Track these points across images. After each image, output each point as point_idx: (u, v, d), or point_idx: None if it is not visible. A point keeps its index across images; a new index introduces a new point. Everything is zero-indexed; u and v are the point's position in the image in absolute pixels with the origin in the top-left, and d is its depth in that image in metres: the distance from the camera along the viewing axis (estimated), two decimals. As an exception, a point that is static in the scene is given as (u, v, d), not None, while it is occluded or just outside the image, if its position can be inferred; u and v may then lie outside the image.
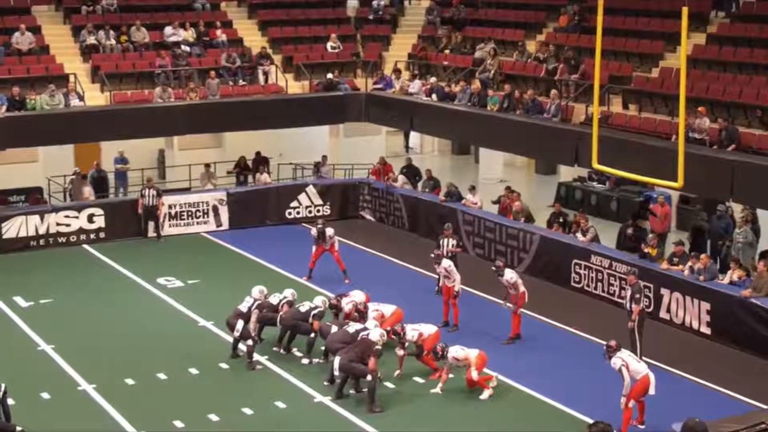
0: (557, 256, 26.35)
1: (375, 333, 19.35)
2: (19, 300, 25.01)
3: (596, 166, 20.88)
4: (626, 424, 17.49)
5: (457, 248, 25.31)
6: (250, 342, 20.62)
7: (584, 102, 29.89)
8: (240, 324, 20.59)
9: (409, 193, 32.11)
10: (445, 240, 25.25)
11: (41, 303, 24.89)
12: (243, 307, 20.97)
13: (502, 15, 38.91)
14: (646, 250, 24.48)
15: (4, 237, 29.09)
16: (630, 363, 17.61)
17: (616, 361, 17.64)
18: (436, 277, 24.97)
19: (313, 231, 26.62)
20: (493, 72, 34.02)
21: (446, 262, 23.26)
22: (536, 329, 23.02)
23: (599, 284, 24.98)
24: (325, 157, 35.36)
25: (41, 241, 29.51)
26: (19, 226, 29.24)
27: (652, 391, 17.63)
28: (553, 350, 21.82)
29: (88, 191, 31.76)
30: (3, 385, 17.20)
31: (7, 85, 32.13)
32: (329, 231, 26.46)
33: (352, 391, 19.30)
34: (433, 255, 23.69)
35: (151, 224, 30.40)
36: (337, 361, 18.96)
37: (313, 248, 26.53)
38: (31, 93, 32.20)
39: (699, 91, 27.32)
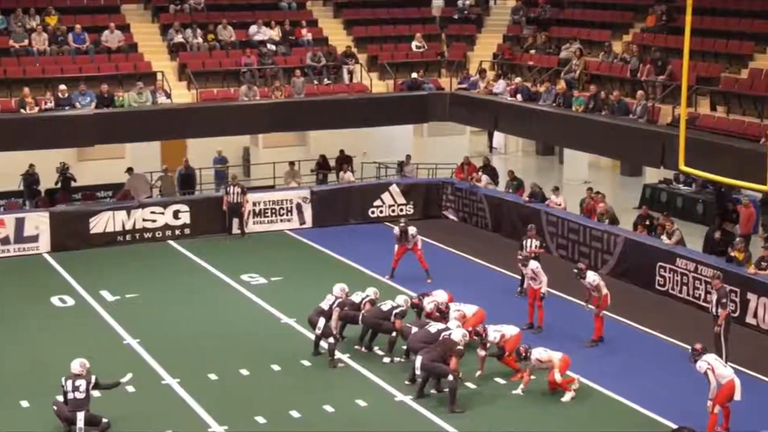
0: (642, 258, 26.07)
1: (457, 333, 19.30)
2: (106, 294, 25.38)
3: (683, 168, 20.61)
4: (711, 430, 17.25)
5: (540, 249, 25.17)
6: (331, 340, 20.65)
7: (671, 103, 29.54)
8: (321, 321, 20.68)
9: (493, 193, 32.00)
10: (529, 241, 25.13)
11: (127, 297, 25.24)
12: (324, 305, 21.03)
13: (588, 15, 38.60)
14: (733, 254, 24.15)
15: (92, 232, 29.56)
16: (716, 367, 17.35)
17: (701, 365, 17.39)
18: (519, 278, 24.86)
19: (396, 230, 26.63)
20: (578, 72, 33.77)
21: (534, 264, 23.08)
22: (620, 332, 22.82)
23: (684, 288, 24.67)
24: (408, 157, 35.40)
25: (127, 237, 29.93)
26: (106, 222, 29.70)
27: (737, 396, 17.35)
28: (637, 353, 21.60)
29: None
30: (94, 377, 17.50)
31: (96, 82, 32.63)
32: (412, 230, 26.43)
33: (433, 391, 19.27)
34: (520, 256, 23.60)
35: (235, 221, 30.62)
36: (418, 360, 18.94)
37: (396, 247, 26.58)
38: (120, 90, 32.69)
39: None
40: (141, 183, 32.84)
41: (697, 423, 17.08)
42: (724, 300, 20.27)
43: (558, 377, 19.21)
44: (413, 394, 19.18)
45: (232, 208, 30.56)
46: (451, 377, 18.63)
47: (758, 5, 31.92)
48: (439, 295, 21.84)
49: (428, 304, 21.38)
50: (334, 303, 21.06)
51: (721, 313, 20.21)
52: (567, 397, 19.16)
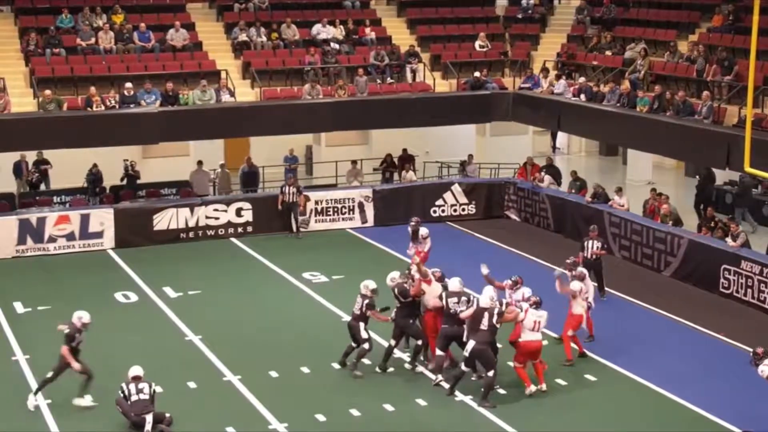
0: (706, 260, 25.83)
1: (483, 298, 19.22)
2: (169, 291, 25.60)
3: (749, 169, 20.43)
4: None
5: (601, 251, 24.93)
6: (366, 346, 20.18)
7: (737, 104, 29.22)
8: (360, 328, 20.22)
9: (555, 193, 31.86)
10: (590, 242, 24.90)
11: (190, 294, 25.44)
12: (356, 309, 20.43)
13: (653, 15, 38.32)
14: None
15: (156, 229, 29.83)
16: None
17: (763, 369, 17.19)
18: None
19: (408, 230, 26.28)
20: (643, 72, 33.52)
21: (581, 271, 22.10)
22: (683, 335, 22.66)
23: (749, 290, 24.41)
24: (471, 156, 35.36)
25: (191, 234, 30.17)
26: (170, 219, 29.96)
27: None
28: (700, 357, 21.39)
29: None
30: (153, 385, 17.67)
31: (162, 80, 32.94)
32: (423, 231, 25.90)
33: (474, 378, 19.39)
34: (569, 261, 22.49)
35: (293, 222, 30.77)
36: (470, 345, 18.84)
37: (411, 248, 25.83)
38: (184, 88, 32.99)
39: None
40: (203, 178, 33.16)
41: (762, 428, 16.93)
42: None
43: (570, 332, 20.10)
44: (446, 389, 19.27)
45: (288, 207, 30.69)
46: (491, 372, 18.62)
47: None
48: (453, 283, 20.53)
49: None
50: (362, 303, 20.31)
51: None
52: (532, 388, 19.09)
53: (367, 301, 20.19)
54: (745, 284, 24.57)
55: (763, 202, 32.70)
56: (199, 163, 33.57)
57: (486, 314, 18.76)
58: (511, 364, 19.37)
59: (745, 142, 20.07)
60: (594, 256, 24.49)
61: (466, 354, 18.88)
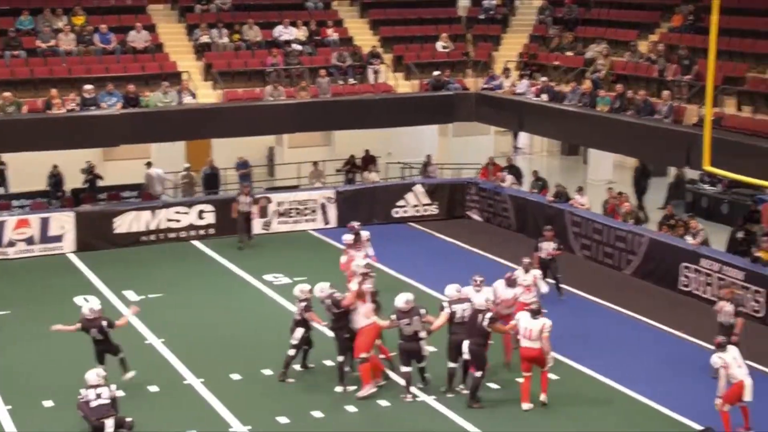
0: (666, 258, 26.00)
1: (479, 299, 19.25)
2: (130, 294, 25.47)
3: (708, 168, 20.52)
4: (727, 426, 17.26)
5: (557, 251, 24.92)
6: (291, 351, 19.93)
7: (697, 103, 29.41)
8: (298, 333, 20.02)
9: (517, 193, 31.95)
10: (546, 243, 24.88)
11: (151, 297, 25.32)
12: (296, 314, 20.15)
13: (614, 15, 38.49)
14: (757, 254, 24.03)
15: (116, 232, 29.71)
16: (730, 365, 17.35)
17: (716, 360, 17.47)
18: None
19: (348, 236, 24.94)
20: (604, 72, 33.67)
21: (536, 272, 22.01)
22: (644, 333, 22.78)
23: (708, 288, 24.57)
24: (429, 157, 35.30)
25: (152, 237, 30.06)
26: (130, 222, 29.84)
27: (747, 397, 17.33)
28: (660, 354, 21.51)
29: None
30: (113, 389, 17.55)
31: (122, 82, 32.70)
32: (365, 234, 25.16)
33: (461, 386, 19.35)
34: (526, 261, 22.18)
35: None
36: (466, 344, 18.78)
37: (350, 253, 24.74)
38: (146, 90, 32.81)
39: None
40: (151, 180, 32.98)
41: (720, 423, 17.07)
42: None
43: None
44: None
45: (242, 216, 30.05)
46: (479, 373, 18.62)
47: (785, 4, 31.79)
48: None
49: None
50: (302, 308, 19.88)
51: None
52: (526, 406, 18.85)
53: (304, 304, 19.95)
54: (704, 282, 24.73)
55: (722, 201, 32.90)
56: (148, 164, 33.31)
57: (480, 316, 18.67)
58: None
59: (705, 141, 20.16)
60: (550, 257, 24.55)
61: (465, 354, 18.81)
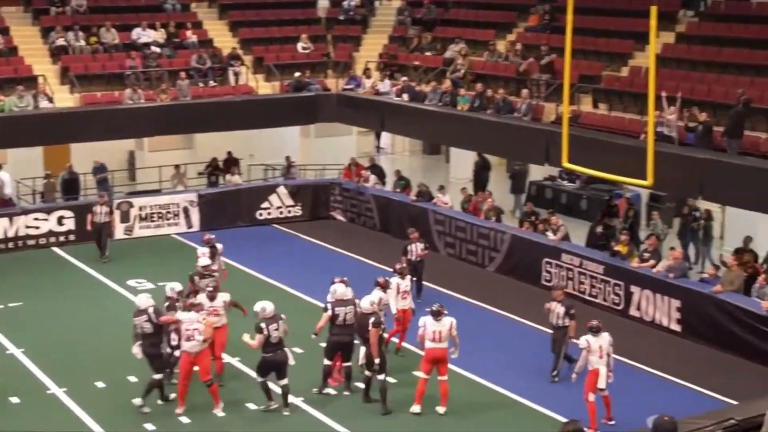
0: (528, 254, 26.42)
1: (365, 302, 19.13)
2: (-11, 303, 24.91)
3: (566, 165, 20.91)
4: (593, 417, 17.64)
5: (424, 251, 25.06)
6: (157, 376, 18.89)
7: (555, 101, 29.96)
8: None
9: (380, 193, 32.11)
10: (413, 245, 24.88)
11: (10, 306, 24.74)
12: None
13: (472, 15, 39.01)
14: (616, 248, 24.57)
15: (-27, 240, 28.99)
16: (593, 351, 17.79)
17: (582, 342, 17.92)
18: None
19: (203, 249, 23.46)
20: (463, 72, 34.07)
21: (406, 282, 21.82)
22: (508, 328, 23.08)
23: (570, 282, 25.05)
24: (288, 158, 35.12)
25: (10, 244, 29.37)
26: (-12, 229, 29.15)
27: (601, 384, 17.77)
28: (525, 348, 21.83)
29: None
30: None
31: (-24, 86, 31.99)
32: (219, 246, 24.01)
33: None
34: (398, 266, 22.15)
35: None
36: (363, 351, 18.79)
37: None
38: (0, 95, 32.02)
39: (668, 90, 27.34)
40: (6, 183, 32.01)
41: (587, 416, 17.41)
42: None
43: None
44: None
45: (98, 228, 28.89)
46: (382, 376, 18.56)
47: (637, 4, 32.44)
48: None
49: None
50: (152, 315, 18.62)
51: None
52: (416, 409, 18.90)
53: (167, 303, 19.53)
54: (566, 276, 25.20)
55: (580, 196, 33.55)
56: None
57: (369, 319, 18.58)
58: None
59: (563, 139, 20.53)
60: (419, 258, 24.68)
61: (361, 360, 18.75)
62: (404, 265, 22.53)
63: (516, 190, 33.91)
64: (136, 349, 18.56)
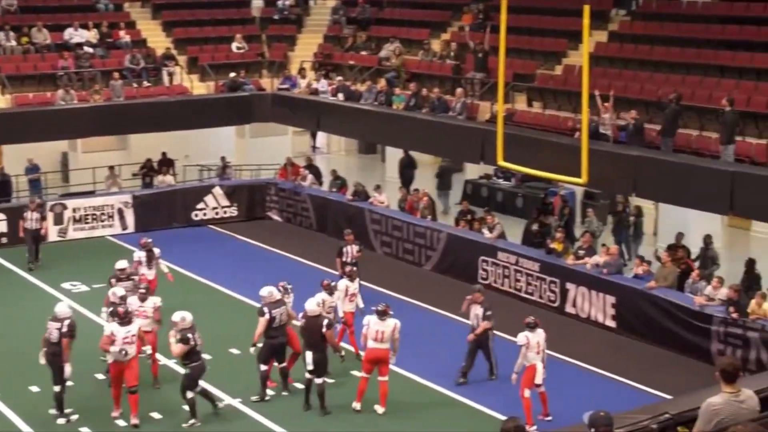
0: (464, 253, 26.52)
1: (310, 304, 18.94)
2: None
3: (502, 163, 21.04)
4: (528, 413, 17.75)
5: (358, 253, 24.78)
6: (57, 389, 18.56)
7: (489, 100, 30.10)
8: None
9: (317, 192, 32.07)
10: (349, 247, 24.73)
11: (-59, 311, 24.46)
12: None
13: (407, 14, 39.09)
14: (552, 246, 24.74)
15: None
16: (531, 348, 17.87)
17: (521, 338, 17.98)
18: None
19: (140, 254, 23.51)
20: (397, 67, 34.15)
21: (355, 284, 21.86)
22: (444, 326, 23.13)
23: (506, 280, 25.19)
24: (224, 158, 34.96)
25: (-59, 248, 29.00)
26: None
27: (538, 380, 17.91)
28: (462, 347, 21.81)
29: None
30: None
31: None
32: (157, 251, 23.60)
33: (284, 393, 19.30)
34: (346, 267, 22.46)
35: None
36: (309, 355, 18.55)
37: (144, 272, 23.28)
38: (-71, 96, 31.68)
39: (601, 88, 27.60)
40: None
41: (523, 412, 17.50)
42: (489, 312, 19.83)
43: None
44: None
45: (31, 235, 28.12)
46: (321, 380, 18.43)
47: (570, 3, 32.71)
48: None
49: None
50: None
51: (483, 324, 19.71)
52: (357, 406, 18.97)
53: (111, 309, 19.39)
54: (502, 274, 25.34)
55: (516, 194, 33.73)
56: None
57: (317, 322, 18.36)
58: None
59: (498, 137, 20.65)
60: (354, 260, 24.62)
61: (310, 365, 18.41)
62: (354, 268, 22.42)
63: (442, 187, 33.78)
64: (42, 357, 18.32)
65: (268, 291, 19.11)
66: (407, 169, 34.68)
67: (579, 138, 21.94)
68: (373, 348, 18.53)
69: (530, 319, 18.26)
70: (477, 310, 19.94)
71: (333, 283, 20.99)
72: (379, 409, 18.67)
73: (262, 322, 18.86)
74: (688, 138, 25.65)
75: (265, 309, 18.90)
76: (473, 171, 35.56)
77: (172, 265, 27.07)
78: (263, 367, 19.15)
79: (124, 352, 17.83)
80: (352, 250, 24.66)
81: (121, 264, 21.51)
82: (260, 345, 19.16)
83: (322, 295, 19.94)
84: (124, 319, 18.05)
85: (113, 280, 21.09)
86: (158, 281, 23.33)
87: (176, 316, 18.10)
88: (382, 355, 18.57)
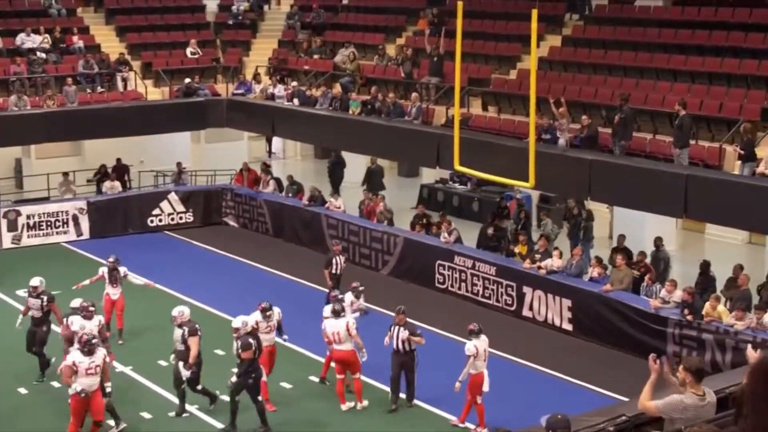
0: (421, 257, 26.58)
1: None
2: None
3: (458, 167, 21.09)
4: (482, 417, 17.96)
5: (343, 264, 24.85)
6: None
7: (445, 104, 30.17)
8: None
9: (273, 198, 32.03)
10: (337, 258, 24.64)
11: None
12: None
13: (361, 19, 39.10)
14: (516, 250, 24.88)
15: None
16: (479, 356, 17.91)
17: (470, 349, 17.95)
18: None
19: (104, 269, 23.09)
20: (351, 71, 34.18)
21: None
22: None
23: (463, 284, 25.28)
24: (179, 164, 34.80)
25: None
26: None
27: (485, 387, 17.99)
28: (419, 351, 21.88)
29: None
30: None
31: None
32: (122, 269, 22.89)
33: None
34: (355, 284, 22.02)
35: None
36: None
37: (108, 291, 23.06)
38: None
39: (556, 92, 27.71)
40: None
41: (470, 417, 17.57)
42: (419, 331, 19.46)
43: None
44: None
45: None
46: (260, 397, 18.13)
47: (524, 8, 32.87)
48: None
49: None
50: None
51: (416, 339, 19.16)
52: (345, 406, 19.13)
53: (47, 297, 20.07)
54: (459, 278, 25.42)
55: (472, 199, 33.84)
56: None
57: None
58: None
59: (454, 142, 20.70)
60: (341, 272, 24.57)
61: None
62: (358, 284, 21.95)
63: (372, 188, 32.94)
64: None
65: (242, 321, 18.51)
66: (336, 169, 34.94)
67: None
68: (336, 350, 18.87)
69: (473, 325, 18.21)
70: (402, 334, 19.03)
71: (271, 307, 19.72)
72: (359, 405, 19.00)
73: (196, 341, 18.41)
74: (641, 142, 25.81)
75: (197, 327, 18.49)
76: (429, 175, 35.63)
77: (127, 272, 27.04)
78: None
79: (84, 394, 16.93)
80: (340, 261, 24.65)
81: (35, 281, 20.91)
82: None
83: (256, 316, 19.16)
84: (85, 348, 17.10)
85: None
86: (124, 300, 22.94)
87: (176, 311, 18.88)
88: (346, 356, 18.78)
